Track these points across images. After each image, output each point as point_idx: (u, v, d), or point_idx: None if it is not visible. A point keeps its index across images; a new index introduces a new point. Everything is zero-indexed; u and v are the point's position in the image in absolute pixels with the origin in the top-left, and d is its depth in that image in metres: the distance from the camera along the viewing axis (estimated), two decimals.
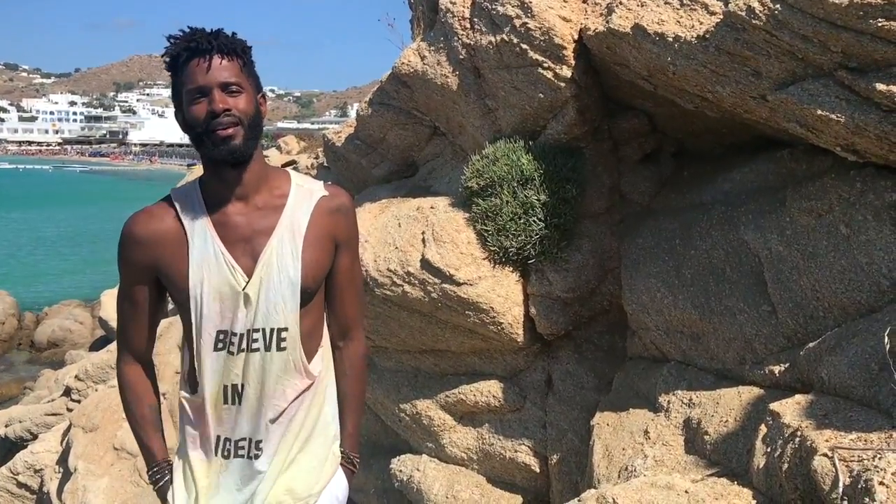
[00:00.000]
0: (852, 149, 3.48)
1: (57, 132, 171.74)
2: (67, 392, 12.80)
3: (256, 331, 2.14)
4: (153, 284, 2.20)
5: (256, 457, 2.20)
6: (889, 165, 3.47)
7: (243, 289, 2.12)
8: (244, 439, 2.20)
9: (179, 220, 2.15)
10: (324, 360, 2.34)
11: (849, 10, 3.04)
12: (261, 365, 2.16)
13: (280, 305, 2.14)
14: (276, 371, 2.17)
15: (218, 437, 2.21)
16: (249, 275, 2.12)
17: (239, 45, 2.10)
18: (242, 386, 2.17)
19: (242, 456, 2.20)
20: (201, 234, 2.13)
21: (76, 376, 12.80)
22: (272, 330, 2.15)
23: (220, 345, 2.14)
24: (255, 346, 2.15)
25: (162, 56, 2.09)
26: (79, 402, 11.79)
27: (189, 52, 2.04)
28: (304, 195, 2.23)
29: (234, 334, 2.13)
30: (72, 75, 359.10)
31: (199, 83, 2.03)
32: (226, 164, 2.08)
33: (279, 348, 2.17)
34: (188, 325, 2.16)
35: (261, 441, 2.19)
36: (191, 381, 2.23)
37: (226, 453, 2.21)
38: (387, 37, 14.63)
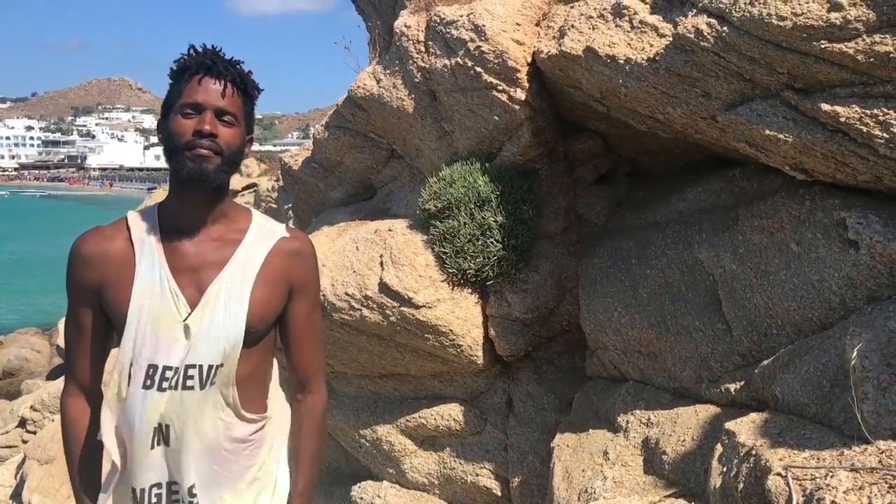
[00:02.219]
0: (801, 168, 3.52)
1: (13, 157, 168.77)
2: (23, 423, 12.54)
3: (192, 367, 2.01)
4: (99, 308, 2.08)
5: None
6: (836, 183, 3.52)
7: (184, 320, 2.01)
8: (175, 483, 2.06)
9: (130, 241, 2.06)
10: (273, 410, 2.23)
11: (793, 32, 3.09)
12: (194, 404, 2.02)
13: (222, 342, 2.02)
14: (207, 410, 2.05)
15: (140, 487, 2.06)
16: (193, 306, 2.02)
17: (251, 85, 2.08)
18: (169, 427, 2.02)
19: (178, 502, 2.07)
20: (149, 259, 2.03)
21: (32, 406, 12.55)
22: (209, 367, 2.02)
23: (149, 381, 2.00)
24: (189, 383, 2.01)
25: (173, 64, 2.04)
26: (34, 433, 11.55)
27: (202, 68, 2.01)
28: (264, 234, 2.16)
29: (169, 368, 2.00)
30: (28, 100, 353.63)
31: (197, 100, 1.98)
32: (191, 182, 1.98)
33: (210, 384, 2.03)
34: (121, 354, 2.03)
35: (193, 486, 2.05)
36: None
37: None
38: (344, 60, 14.64)
